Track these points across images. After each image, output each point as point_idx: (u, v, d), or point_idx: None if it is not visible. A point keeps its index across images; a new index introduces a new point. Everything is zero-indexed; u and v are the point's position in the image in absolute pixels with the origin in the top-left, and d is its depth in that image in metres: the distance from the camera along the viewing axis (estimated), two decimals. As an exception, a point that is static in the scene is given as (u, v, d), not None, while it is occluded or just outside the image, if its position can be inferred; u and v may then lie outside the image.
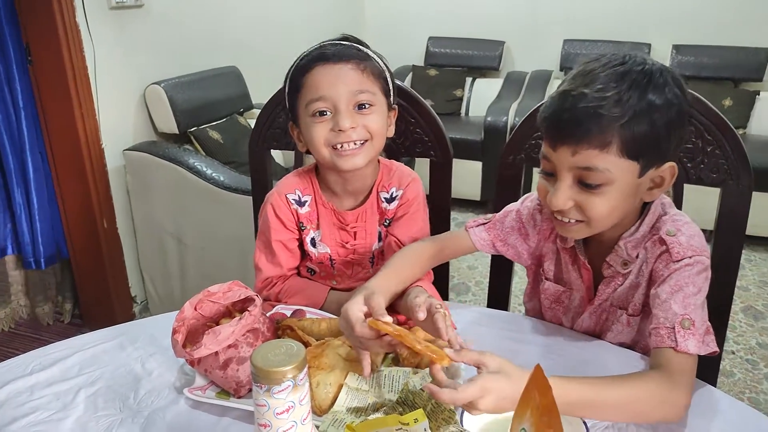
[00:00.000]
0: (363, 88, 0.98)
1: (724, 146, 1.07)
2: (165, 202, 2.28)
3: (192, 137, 2.40)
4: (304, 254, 1.14)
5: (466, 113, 3.80)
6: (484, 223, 1.07)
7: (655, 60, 0.84)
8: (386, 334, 0.75)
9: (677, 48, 3.44)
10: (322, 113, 0.98)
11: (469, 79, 3.83)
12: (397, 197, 1.10)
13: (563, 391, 0.55)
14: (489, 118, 3.30)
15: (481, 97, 3.71)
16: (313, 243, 1.12)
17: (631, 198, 0.86)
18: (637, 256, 0.92)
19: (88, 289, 2.39)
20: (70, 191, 2.24)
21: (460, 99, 3.79)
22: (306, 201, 1.10)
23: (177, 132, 2.35)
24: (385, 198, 1.10)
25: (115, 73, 2.22)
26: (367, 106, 0.99)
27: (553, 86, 3.67)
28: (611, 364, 0.91)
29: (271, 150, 1.40)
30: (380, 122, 1.01)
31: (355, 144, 0.99)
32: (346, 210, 1.10)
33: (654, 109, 0.79)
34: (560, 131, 0.82)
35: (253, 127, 1.38)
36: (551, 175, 0.87)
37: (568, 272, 1.02)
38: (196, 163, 2.19)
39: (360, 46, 1.02)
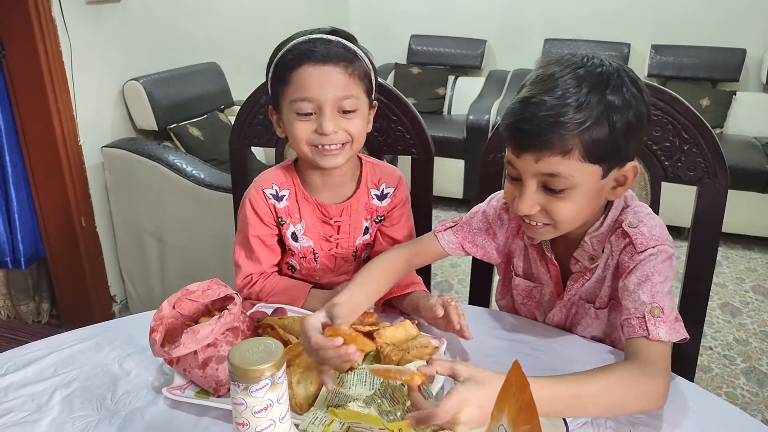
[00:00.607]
0: (348, 93, 0.99)
1: (701, 145, 1.08)
2: (144, 200, 2.25)
3: (172, 134, 2.37)
4: (285, 250, 1.14)
5: (449, 111, 3.81)
6: (451, 227, 1.07)
7: (612, 60, 0.84)
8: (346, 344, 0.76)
9: (656, 48, 3.49)
10: (307, 114, 0.99)
11: (451, 78, 3.84)
12: (389, 194, 1.13)
13: (537, 389, 0.55)
14: (471, 117, 3.31)
15: (463, 95, 3.73)
16: (295, 237, 1.11)
17: (595, 199, 0.88)
18: (602, 251, 0.94)
19: (65, 288, 2.35)
20: (46, 189, 2.20)
21: (443, 97, 3.80)
22: (284, 195, 1.10)
23: (156, 129, 2.32)
24: (375, 195, 1.12)
25: (92, 68, 2.19)
26: (350, 111, 1.00)
27: (535, 85, 3.69)
28: (589, 360, 0.92)
29: (252, 147, 1.39)
30: (361, 125, 1.03)
31: (336, 145, 1.01)
32: (330, 204, 1.10)
33: (612, 111, 0.79)
34: (523, 139, 0.82)
35: (233, 124, 1.37)
36: (517, 180, 0.87)
37: (537, 268, 1.04)
38: (176, 161, 2.16)
39: (348, 44, 1.01)
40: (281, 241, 1.13)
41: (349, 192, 1.11)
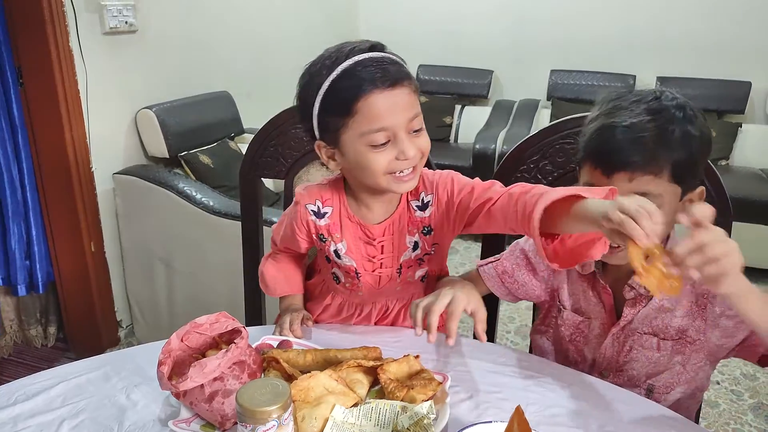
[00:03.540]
0: (415, 112, 0.94)
1: (704, 183, 1.09)
2: (154, 226, 2.28)
3: (182, 161, 2.41)
4: (329, 261, 1.12)
5: (455, 140, 3.85)
6: (492, 261, 1.10)
7: (677, 95, 0.92)
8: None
9: (662, 80, 3.52)
10: (382, 143, 0.93)
11: (458, 107, 3.89)
12: (429, 202, 1.05)
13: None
14: (478, 145, 3.34)
15: (470, 124, 3.77)
16: (337, 255, 1.08)
17: (671, 221, 0.91)
18: None
19: (73, 312, 2.37)
20: (58, 214, 2.23)
21: (450, 126, 3.85)
22: (326, 212, 1.07)
23: (167, 156, 2.36)
24: (417, 206, 1.05)
25: (107, 97, 2.24)
26: (419, 129, 0.95)
27: (541, 114, 3.73)
28: (597, 399, 0.92)
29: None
30: (428, 141, 0.98)
31: (411, 167, 0.96)
32: (374, 224, 1.06)
33: (690, 137, 0.88)
34: (617, 161, 0.88)
35: (244, 152, 1.40)
36: None
37: (586, 300, 1.04)
38: (185, 188, 2.19)
39: (398, 57, 0.96)
40: (325, 254, 1.11)
41: (392, 209, 1.06)
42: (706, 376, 1.01)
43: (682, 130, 0.88)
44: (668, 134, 0.87)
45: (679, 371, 0.99)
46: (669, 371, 1.00)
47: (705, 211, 0.71)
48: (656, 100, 0.90)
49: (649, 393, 1.01)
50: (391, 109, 0.91)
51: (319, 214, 1.07)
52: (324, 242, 1.08)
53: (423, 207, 1.05)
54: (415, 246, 1.07)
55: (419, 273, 1.11)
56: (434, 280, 1.14)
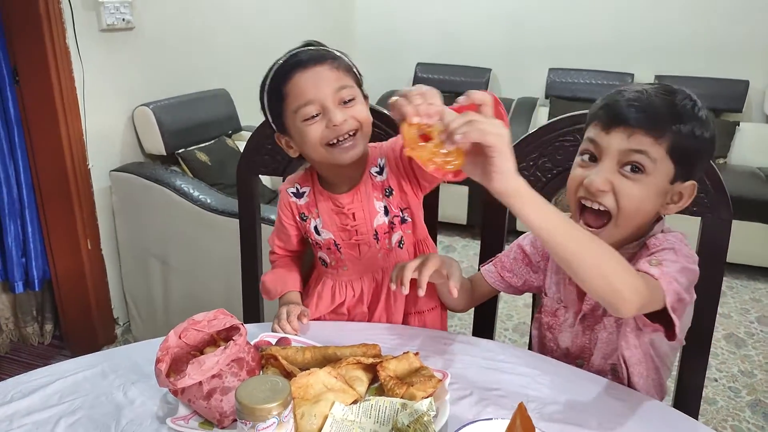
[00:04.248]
0: (343, 83, 1.04)
1: (703, 181, 1.09)
2: (151, 224, 2.27)
3: (179, 159, 2.40)
4: (315, 245, 1.22)
5: (453, 138, 3.84)
6: (492, 260, 1.15)
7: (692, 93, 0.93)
8: None
9: (660, 78, 3.52)
10: (313, 116, 1.03)
11: (456, 105, 3.88)
12: (384, 164, 1.15)
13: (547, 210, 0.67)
14: (476, 144, 3.33)
15: (468, 122, 3.76)
16: (317, 231, 1.18)
17: (656, 202, 0.92)
18: None
19: (69, 310, 2.36)
20: (54, 211, 2.22)
21: (448, 124, 3.84)
22: (304, 192, 1.18)
23: (164, 153, 2.35)
24: (376, 172, 1.15)
25: (104, 94, 2.23)
26: (349, 99, 1.05)
27: (539, 113, 3.73)
28: (596, 394, 0.92)
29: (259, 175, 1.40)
30: (365, 111, 1.08)
31: (349, 135, 1.05)
32: (342, 194, 1.15)
33: (700, 124, 0.89)
34: (621, 115, 0.89)
35: (241, 149, 1.39)
36: (593, 161, 0.92)
37: (565, 288, 1.06)
38: (182, 185, 2.19)
39: (326, 47, 1.09)
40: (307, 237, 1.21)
41: (357, 179, 1.15)
42: (646, 348, 1.00)
43: (694, 114, 0.89)
44: (677, 107, 0.88)
45: (624, 345, 0.99)
46: (616, 347, 1.00)
47: (484, 97, 0.76)
48: (671, 93, 0.91)
49: (614, 374, 1.02)
50: (315, 83, 1.03)
51: (298, 194, 1.19)
52: (305, 221, 1.19)
53: (380, 171, 1.15)
54: (386, 211, 1.16)
55: (395, 238, 1.17)
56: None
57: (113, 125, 2.31)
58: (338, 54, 1.09)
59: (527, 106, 3.75)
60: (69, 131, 2.11)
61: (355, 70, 1.10)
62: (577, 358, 1.07)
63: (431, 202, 1.31)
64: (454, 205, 3.38)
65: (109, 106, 2.27)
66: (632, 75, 3.60)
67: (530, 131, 1.23)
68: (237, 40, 2.92)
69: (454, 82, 3.92)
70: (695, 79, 3.45)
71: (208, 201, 2.13)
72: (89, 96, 2.14)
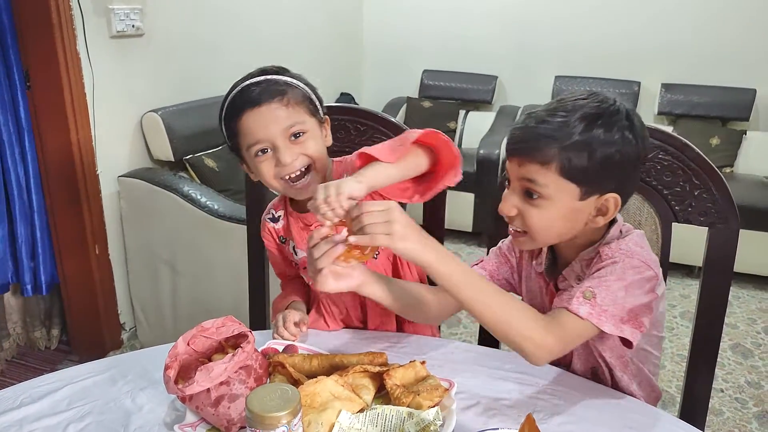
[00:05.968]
0: (292, 121, 1.04)
1: (711, 191, 1.09)
2: (159, 229, 2.28)
3: (187, 165, 2.41)
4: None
5: (459, 145, 3.84)
6: (477, 263, 1.14)
7: (624, 103, 0.90)
8: None
9: (666, 86, 3.52)
10: (263, 151, 1.05)
11: (462, 112, 3.89)
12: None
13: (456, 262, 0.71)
14: (482, 151, 3.34)
15: (474, 129, 3.77)
16: (295, 252, 1.20)
17: (571, 219, 0.92)
18: None
19: (77, 315, 2.37)
20: (63, 216, 2.24)
21: (454, 131, 3.85)
22: (279, 216, 1.21)
23: (173, 159, 2.36)
24: None
25: (113, 100, 2.24)
26: (300, 134, 1.05)
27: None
28: (601, 403, 0.91)
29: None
30: (317, 145, 1.08)
31: (300, 172, 1.06)
32: (309, 212, 1.14)
33: (595, 142, 0.86)
34: (513, 145, 0.92)
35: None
36: (509, 186, 0.95)
37: (536, 289, 1.08)
38: (190, 191, 2.20)
39: (278, 77, 1.07)
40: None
41: None
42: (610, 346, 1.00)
43: (587, 131, 0.85)
44: (565, 128, 0.86)
45: (601, 349, 1.00)
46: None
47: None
48: (584, 99, 0.89)
49: (594, 375, 1.03)
50: (262, 123, 1.03)
51: (274, 219, 1.22)
52: (284, 243, 1.21)
53: None
54: None
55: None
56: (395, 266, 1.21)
57: (122, 131, 2.33)
58: (292, 83, 1.07)
59: (533, 113, 3.76)
60: (78, 136, 2.12)
61: (310, 95, 1.09)
62: (560, 363, 1.06)
63: (437, 210, 1.32)
64: (460, 212, 3.37)
65: (118, 112, 2.29)
66: (639, 83, 3.60)
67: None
68: (246, 47, 2.94)
69: (460, 90, 3.93)
70: (702, 87, 3.45)
71: (216, 207, 2.14)
72: (99, 102, 2.16)
